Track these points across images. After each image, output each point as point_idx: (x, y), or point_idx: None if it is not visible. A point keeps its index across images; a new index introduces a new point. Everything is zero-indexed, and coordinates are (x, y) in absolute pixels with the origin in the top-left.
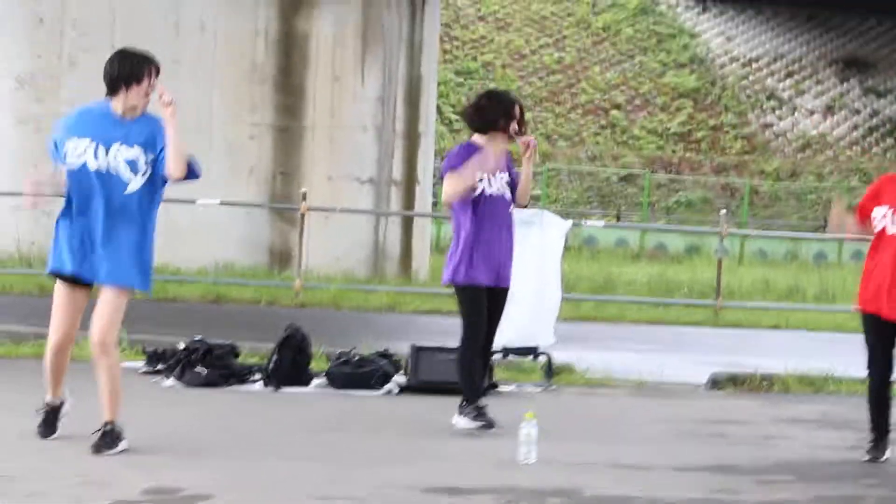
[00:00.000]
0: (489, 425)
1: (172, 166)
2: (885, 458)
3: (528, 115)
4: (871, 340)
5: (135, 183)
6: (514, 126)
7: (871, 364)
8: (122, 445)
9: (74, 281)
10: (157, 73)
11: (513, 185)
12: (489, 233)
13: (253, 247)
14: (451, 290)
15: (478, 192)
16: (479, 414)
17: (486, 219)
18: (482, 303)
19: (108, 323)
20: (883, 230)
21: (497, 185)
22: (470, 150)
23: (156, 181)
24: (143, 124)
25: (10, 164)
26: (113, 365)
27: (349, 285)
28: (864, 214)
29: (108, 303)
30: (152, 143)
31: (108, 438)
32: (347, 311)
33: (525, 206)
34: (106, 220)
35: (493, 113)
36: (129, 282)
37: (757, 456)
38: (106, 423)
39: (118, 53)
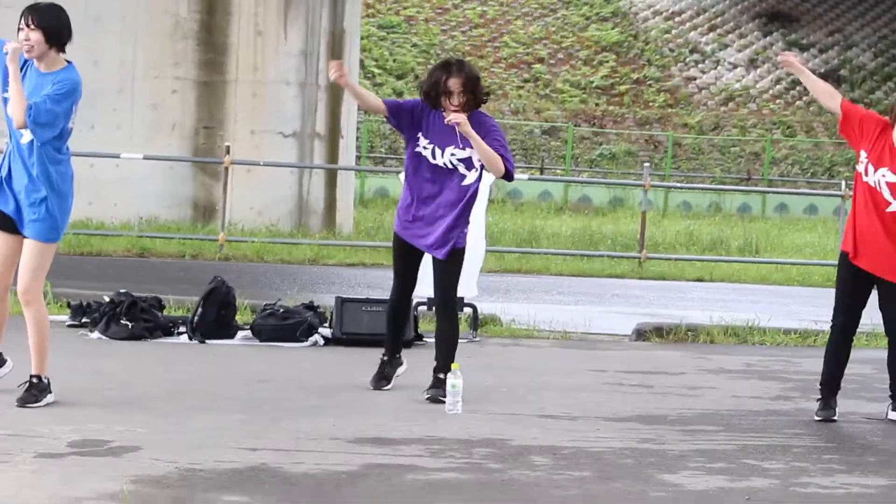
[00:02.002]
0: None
1: (9, 112)
2: (836, 417)
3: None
4: (843, 287)
5: (28, 134)
6: (450, 119)
7: (839, 313)
8: (48, 399)
9: (4, 226)
10: (36, 22)
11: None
12: (423, 200)
13: (177, 201)
14: (383, 243)
15: (419, 154)
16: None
17: (425, 185)
18: (399, 256)
19: (26, 273)
20: (860, 174)
21: (447, 158)
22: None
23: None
24: (39, 76)
25: None
26: (37, 317)
27: (273, 239)
28: (847, 120)
29: (26, 253)
30: (36, 94)
31: (35, 391)
32: (272, 265)
33: (507, 177)
34: (14, 168)
35: (427, 87)
36: (38, 235)
37: (682, 406)
38: (32, 377)
39: None
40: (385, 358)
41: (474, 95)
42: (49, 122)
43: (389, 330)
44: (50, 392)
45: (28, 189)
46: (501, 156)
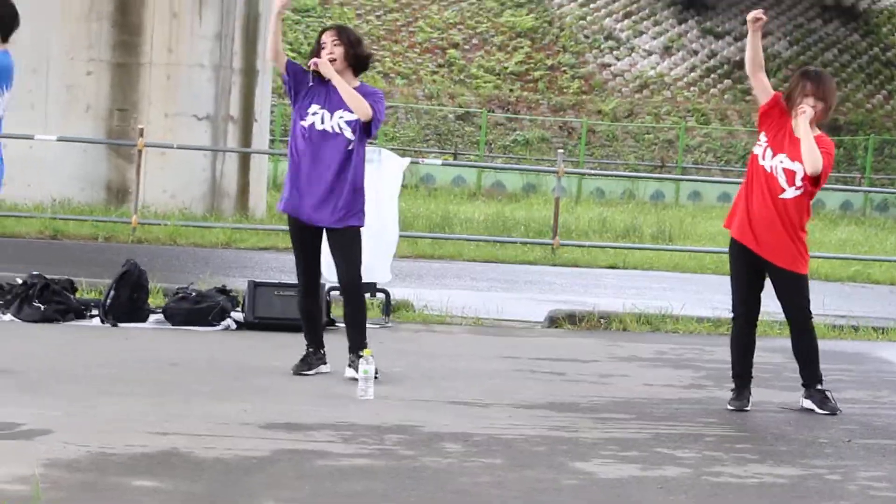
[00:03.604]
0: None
1: None
2: (749, 406)
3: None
4: (739, 275)
5: None
6: (312, 61)
7: (739, 302)
8: None
9: None
10: None
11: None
12: (309, 169)
13: (90, 183)
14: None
15: (307, 122)
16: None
17: (310, 152)
18: (297, 238)
19: None
20: (756, 157)
21: (335, 121)
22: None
23: None
24: None
25: None
26: None
27: (186, 222)
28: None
29: None
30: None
31: None
32: (185, 248)
33: (368, 130)
34: None
35: (312, 52)
36: None
37: (594, 394)
38: None
39: None
40: (310, 350)
41: (351, 49)
42: None
43: (304, 322)
44: None
45: None
46: (371, 106)
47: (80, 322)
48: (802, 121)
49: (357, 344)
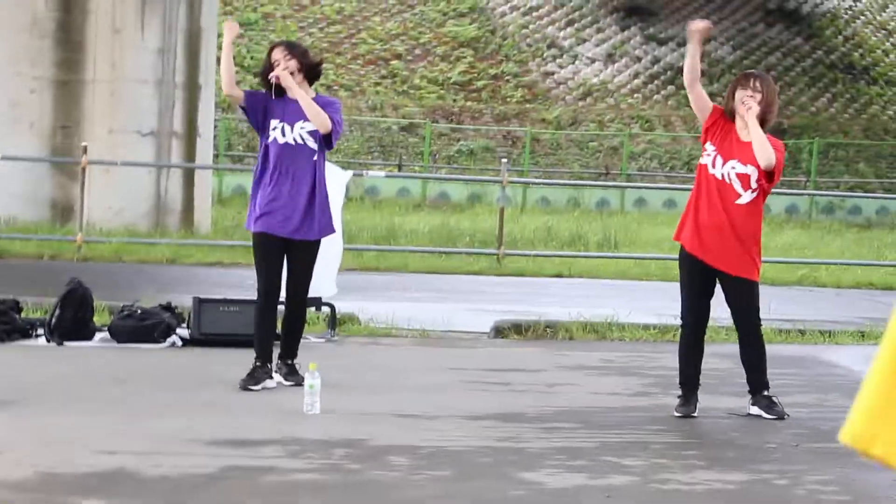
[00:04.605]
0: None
1: None
2: (696, 413)
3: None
4: (689, 284)
5: None
6: (272, 75)
7: (688, 311)
8: None
9: None
10: None
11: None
12: (279, 185)
13: (34, 201)
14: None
15: (269, 139)
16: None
17: (278, 168)
18: (263, 254)
19: None
20: (706, 166)
21: (296, 132)
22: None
23: None
24: None
25: None
26: None
27: (131, 239)
28: (708, 122)
29: None
30: None
31: None
32: (130, 265)
33: (328, 141)
34: None
35: (261, 69)
36: None
37: (541, 404)
38: None
39: None
40: (258, 364)
41: (304, 61)
42: None
43: (259, 336)
44: None
45: None
46: (329, 117)
47: (25, 341)
48: (750, 116)
49: (291, 352)
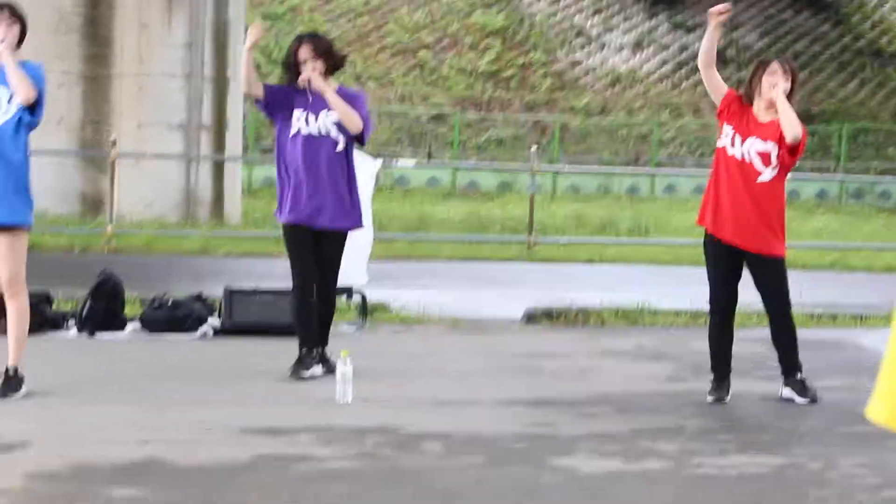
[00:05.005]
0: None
1: (20, 93)
2: (728, 397)
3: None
4: (715, 268)
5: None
6: (302, 78)
7: (715, 295)
8: (24, 390)
9: None
10: (8, 13)
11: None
12: (305, 174)
13: (65, 195)
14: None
15: (293, 131)
16: (298, 360)
17: (303, 160)
18: (295, 245)
19: (8, 265)
20: (724, 148)
21: (321, 122)
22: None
23: (21, 118)
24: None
25: None
26: (19, 307)
27: (161, 230)
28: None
29: (1, 245)
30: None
31: (14, 383)
32: (160, 256)
33: (360, 138)
34: None
35: (285, 59)
36: (12, 219)
37: (574, 389)
38: (10, 368)
39: None
40: (304, 350)
41: (330, 58)
42: None
43: (301, 324)
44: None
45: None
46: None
47: (57, 333)
48: (777, 91)
49: (322, 341)
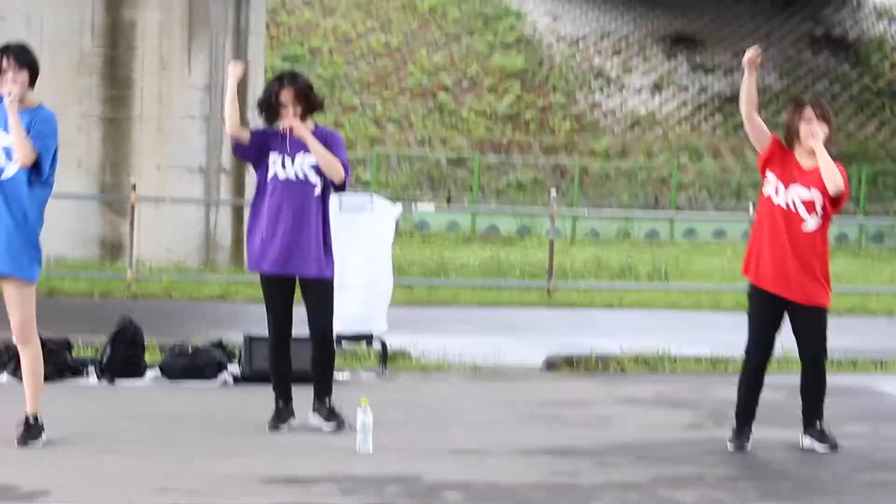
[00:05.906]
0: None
1: (18, 155)
2: (749, 445)
3: (348, 97)
4: (757, 317)
5: (9, 169)
6: (284, 126)
7: (753, 344)
8: (44, 437)
9: None
10: (14, 61)
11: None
12: (279, 222)
13: (84, 239)
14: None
15: (270, 174)
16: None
17: (279, 204)
18: (271, 294)
19: (17, 313)
20: (769, 197)
21: (297, 166)
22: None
23: (38, 170)
24: (24, 114)
25: None
26: (32, 353)
27: (181, 276)
28: (767, 152)
29: (10, 295)
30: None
31: (34, 430)
32: (180, 302)
33: (340, 188)
34: None
35: (262, 98)
36: (15, 272)
37: (595, 437)
38: (32, 416)
39: None
40: (280, 403)
41: (308, 103)
42: None
43: (276, 376)
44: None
45: (9, 227)
46: (341, 164)
47: (76, 381)
48: (816, 142)
49: (325, 390)
